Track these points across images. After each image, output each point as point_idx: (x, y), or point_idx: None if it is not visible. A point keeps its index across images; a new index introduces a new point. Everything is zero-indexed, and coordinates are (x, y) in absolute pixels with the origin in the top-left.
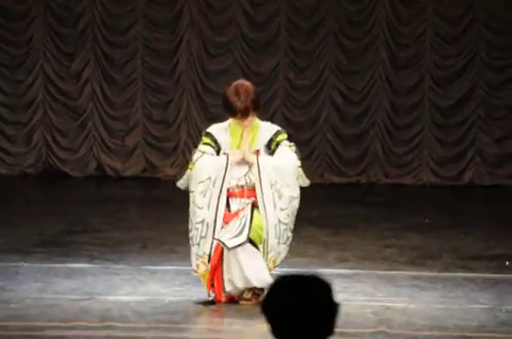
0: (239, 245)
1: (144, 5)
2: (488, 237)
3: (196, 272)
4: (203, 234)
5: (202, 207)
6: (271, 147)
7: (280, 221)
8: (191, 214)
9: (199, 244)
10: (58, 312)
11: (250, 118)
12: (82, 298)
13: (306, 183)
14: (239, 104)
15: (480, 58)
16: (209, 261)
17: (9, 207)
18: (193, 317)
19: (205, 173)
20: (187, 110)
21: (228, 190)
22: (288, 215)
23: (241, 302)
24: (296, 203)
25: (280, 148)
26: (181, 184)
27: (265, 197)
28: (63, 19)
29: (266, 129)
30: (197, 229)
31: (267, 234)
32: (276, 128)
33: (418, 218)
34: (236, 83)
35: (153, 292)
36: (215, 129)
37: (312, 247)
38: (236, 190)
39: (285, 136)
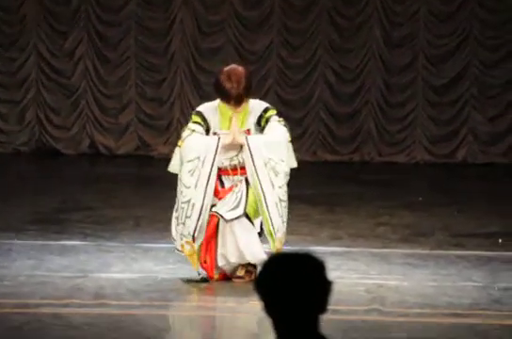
0: (237, 217)
1: None
2: (480, 215)
3: (180, 252)
4: (189, 213)
5: (189, 187)
6: (261, 123)
7: (280, 199)
8: (178, 193)
9: (184, 223)
10: (52, 289)
11: (244, 104)
12: (75, 276)
13: (294, 164)
14: (233, 92)
15: (474, 37)
16: (193, 240)
17: (2, 185)
18: (186, 295)
19: (194, 152)
20: (181, 88)
21: (220, 169)
22: (286, 191)
23: (234, 280)
24: (288, 177)
25: (269, 124)
26: (172, 167)
27: (261, 177)
28: None
29: (256, 107)
30: (182, 208)
31: (269, 214)
32: (264, 105)
33: (411, 196)
34: (229, 69)
35: (147, 269)
36: (204, 108)
37: (306, 225)
38: (229, 168)
39: (274, 111)
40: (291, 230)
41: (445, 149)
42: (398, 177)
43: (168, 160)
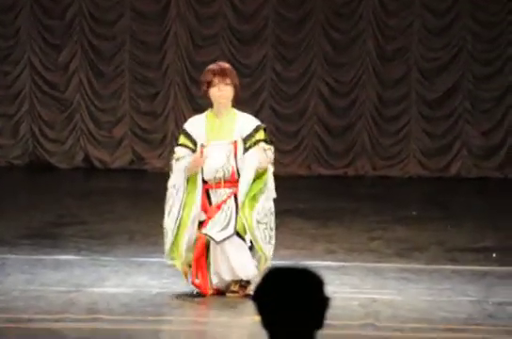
0: (227, 238)
1: None
2: (475, 229)
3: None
4: (165, 239)
5: (165, 213)
6: (247, 143)
7: (258, 222)
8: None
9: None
10: (45, 304)
11: (228, 88)
12: (69, 290)
13: (273, 195)
14: (216, 68)
15: (467, 51)
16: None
17: None
18: (180, 310)
19: (171, 180)
20: (175, 102)
21: (206, 183)
22: (266, 214)
23: (228, 295)
24: (271, 204)
25: (250, 151)
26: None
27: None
28: (50, 10)
29: (246, 121)
30: (164, 228)
31: (254, 237)
32: (256, 122)
33: (405, 211)
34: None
35: (140, 284)
36: (189, 123)
37: (300, 239)
38: (213, 182)
39: (263, 135)
40: (285, 244)
41: (439, 163)
42: (392, 191)
43: (162, 174)
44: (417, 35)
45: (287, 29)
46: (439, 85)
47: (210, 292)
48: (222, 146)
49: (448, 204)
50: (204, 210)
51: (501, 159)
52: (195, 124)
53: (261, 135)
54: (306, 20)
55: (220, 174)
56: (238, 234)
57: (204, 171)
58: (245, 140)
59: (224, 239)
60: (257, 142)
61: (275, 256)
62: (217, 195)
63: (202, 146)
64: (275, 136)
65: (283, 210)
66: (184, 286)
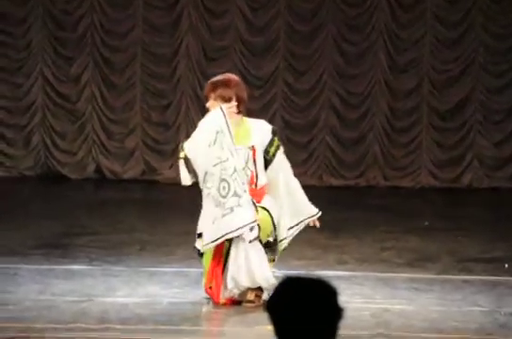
0: (255, 238)
1: (143, 9)
2: (486, 240)
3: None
4: (238, 183)
5: (227, 158)
6: (271, 148)
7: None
8: (215, 183)
9: (241, 205)
10: (57, 313)
11: (211, 101)
12: (80, 300)
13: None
14: (211, 81)
15: (478, 63)
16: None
17: (8, 209)
18: (192, 319)
19: (211, 128)
20: (186, 113)
21: None
22: None
23: (245, 305)
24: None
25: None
26: (184, 180)
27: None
28: (62, 23)
29: (261, 127)
30: (226, 186)
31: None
32: (269, 125)
33: (416, 221)
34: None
35: (152, 294)
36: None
37: (311, 249)
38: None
39: (278, 140)
40: (296, 254)
41: (451, 174)
42: (404, 202)
43: (173, 184)
44: (429, 47)
45: (299, 41)
46: (450, 96)
47: (222, 301)
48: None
49: (459, 215)
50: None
51: None
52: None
53: (277, 141)
54: (317, 32)
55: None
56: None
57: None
58: (266, 151)
59: (254, 239)
60: (278, 146)
61: (286, 266)
62: None
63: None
64: (286, 146)
65: None
66: (197, 295)
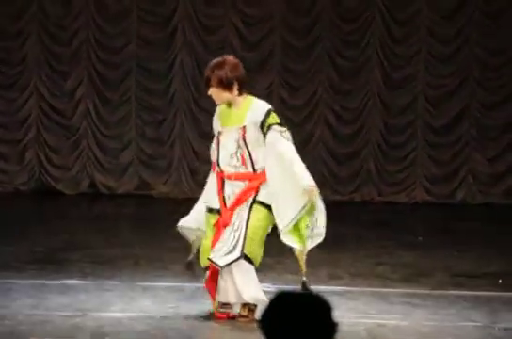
0: (232, 262)
1: (138, 24)
2: (480, 255)
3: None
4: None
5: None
6: (263, 129)
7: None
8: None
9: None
10: (51, 328)
11: (212, 90)
12: (74, 315)
13: None
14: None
15: (473, 78)
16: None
17: (2, 224)
18: (187, 333)
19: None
20: (180, 128)
21: (222, 171)
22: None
23: (238, 319)
24: None
25: (274, 143)
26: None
27: None
28: (57, 38)
29: (259, 107)
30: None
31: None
32: (267, 106)
33: (411, 236)
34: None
35: (146, 308)
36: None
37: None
38: (228, 169)
39: (276, 118)
40: (291, 269)
41: (445, 189)
42: (398, 217)
43: (168, 199)
44: (423, 62)
45: (293, 57)
46: (445, 112)
47: (216, 314)
48: (231, 132)
49: (453, 230)
50: (222, 209)
51: (506, 186)
52: (214, 119)
53: (273, 119)
54: (312, 47)
55: (234, 162)
56: (246, 257)
57: (219, 159)
58: (261, 127)
59: (228, 264)
60: (270, 126)
61: (280, 281)
62: (229, 186)
63: (219, 133)
64: None
65: None
66: (191, 310)
